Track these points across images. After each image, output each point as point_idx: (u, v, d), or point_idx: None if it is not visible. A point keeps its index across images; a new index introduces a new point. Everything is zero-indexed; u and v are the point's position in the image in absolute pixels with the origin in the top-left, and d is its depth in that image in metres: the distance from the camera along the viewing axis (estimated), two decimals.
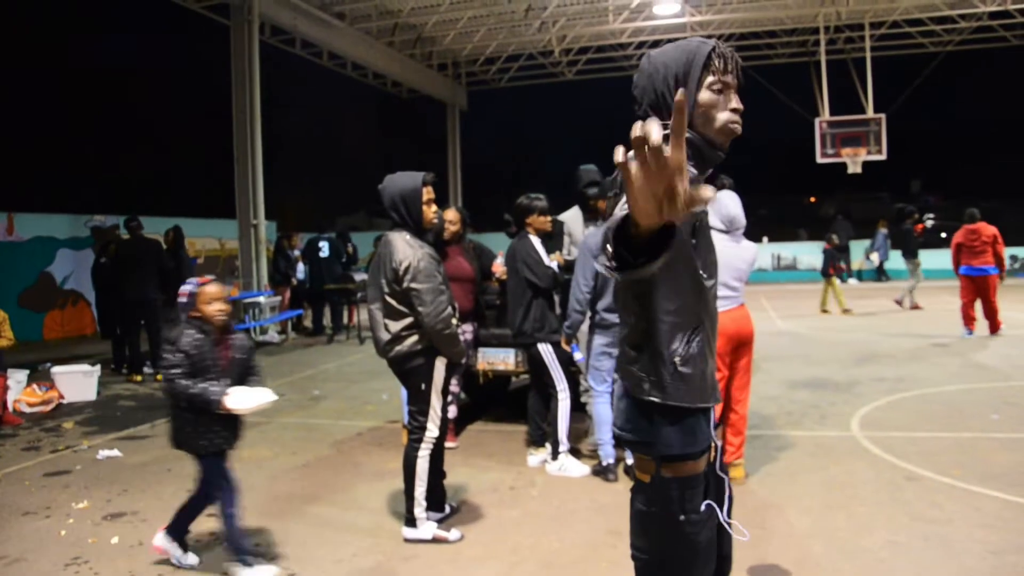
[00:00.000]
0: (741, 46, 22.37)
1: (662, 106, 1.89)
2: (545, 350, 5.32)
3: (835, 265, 15.13)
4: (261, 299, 13.04)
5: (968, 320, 11.01)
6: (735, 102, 1.92)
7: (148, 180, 28.22)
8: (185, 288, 3.76)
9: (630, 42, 21.28)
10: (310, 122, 36.39)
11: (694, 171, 1.86)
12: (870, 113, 19.41)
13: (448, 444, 5.60)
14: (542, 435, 5.60)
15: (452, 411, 6.07)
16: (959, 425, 6.20)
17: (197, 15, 14.65)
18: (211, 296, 3.72)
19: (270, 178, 14.29)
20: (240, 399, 3.65)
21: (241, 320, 12.49)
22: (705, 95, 1.89)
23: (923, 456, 5.33)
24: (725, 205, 4.83)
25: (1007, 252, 19.23)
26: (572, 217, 6.13)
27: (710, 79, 1.89)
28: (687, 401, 1.82)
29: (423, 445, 4.16)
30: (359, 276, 13.85)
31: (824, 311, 15.15)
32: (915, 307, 14.79)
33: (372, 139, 37.36)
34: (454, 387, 6.12)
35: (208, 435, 3.71)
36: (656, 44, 21.82)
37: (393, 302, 4.07)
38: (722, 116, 1.90)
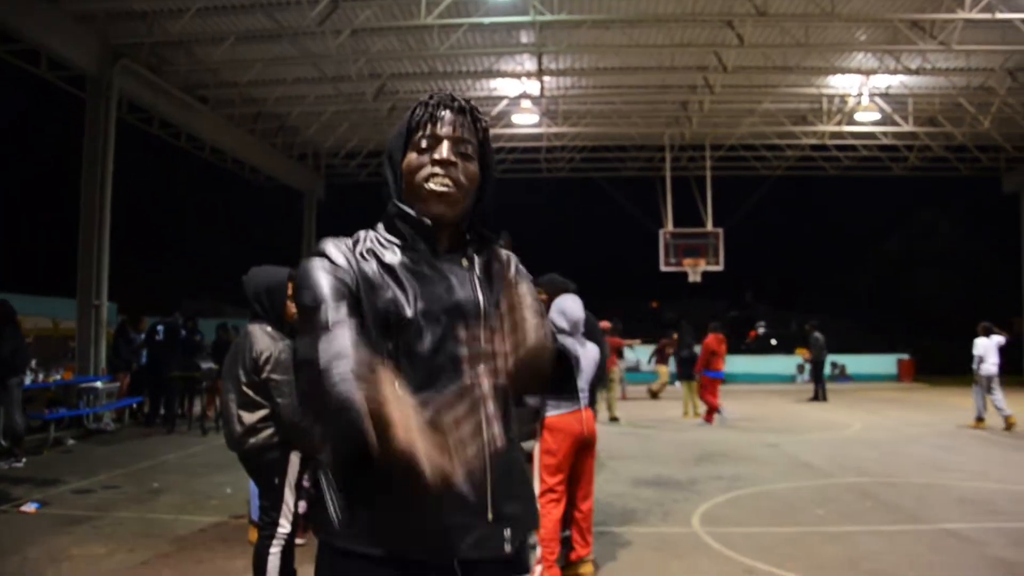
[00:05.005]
0: (594, 158, 23.70)
1: (394, 194, 1.77)
2: None
3: (686, 367, 15.31)
4: (98, 384, 12.38)
5: (713, 410, 13.66)
6: (440, 153, 1.69)
7: None
8: None
9: (494, 148, 22.03)
10: (161, 202, 35.31)
11: (402, 261, 1.70)
12: (709, 227, 20.86)
13: (297, 541, 5.47)
14: None
15: (302, 506, 5.95)
16: (790, 520, 6.63)
17: (48, 83, 14.24)
18: None
19: (116, 257, 13.81)
20: None
21: (74, 406, 11.80)
22: (409, 157, 1.73)
23: (760, 551, 5.65)
24: (568, 308, 4.99)
25: (829, 359, 20.76)
26: None
27: (416, 136, 1.72)
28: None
29: (274, 542, 4.09)
30: (205, 364, 13.40)
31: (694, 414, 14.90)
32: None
33: (225, 224, 36.55)
34: (305, 481, 6.01)
35: None
36: (514, 151, 22.85)
37: (250, 392, 4.05)
38: (422, 174, 1.69)
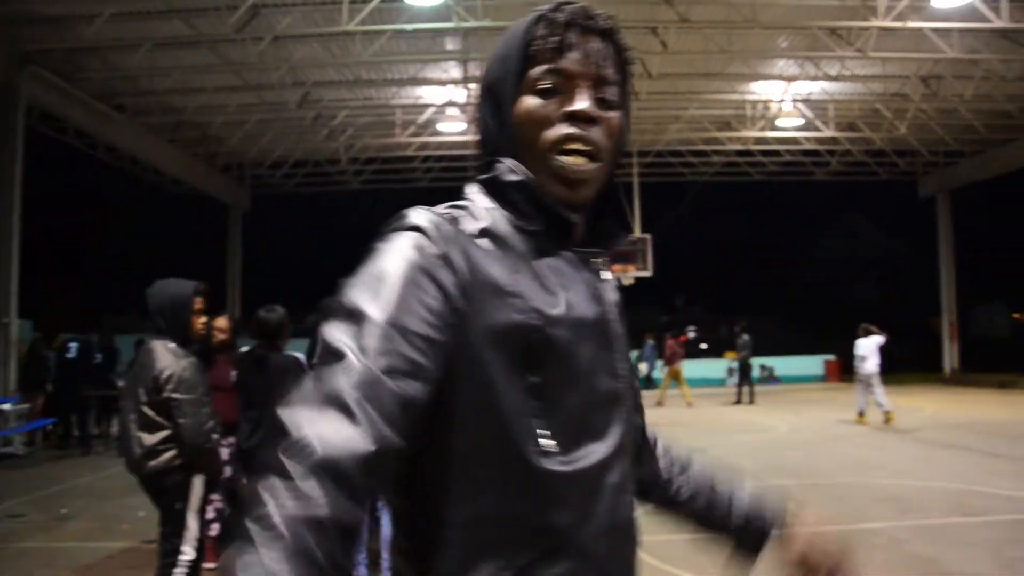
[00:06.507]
0: None
1: (492, 149, 1.19)
2: None
3: None
4: (6, 406, 11.84)
5: None
6: (580, 103, 1.12)
7: None
8: None
9: (417, 155, 21.93)
10: (80, 214, 34.25)
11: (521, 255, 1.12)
12: (638, 233, 20.99)
13: (208, 565, 5.25)
14: None
15: (215, 529, 5.72)
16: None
17: None
18: None
19: (32, 273, 13.28)
20: None
21: None
22: (526, 104, 1.15)
23: (683, 559, 5.58)
24: None
25: (757, 361, 21.08)
26: None
27: (536, 71, 1.14)
28: None
29: (176, 570, 3.88)
30: (122, 382, 12.94)
31: None
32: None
33: (148, 237, 35.63)
34: (219, 503, 5.79)
35: None
36: (442, 159, 22.73)
37: (151, 413, 3.85)
38: (549, 135, 1.13)
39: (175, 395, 3.81)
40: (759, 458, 10.15)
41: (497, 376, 1.03)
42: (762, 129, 19.72)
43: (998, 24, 12.91)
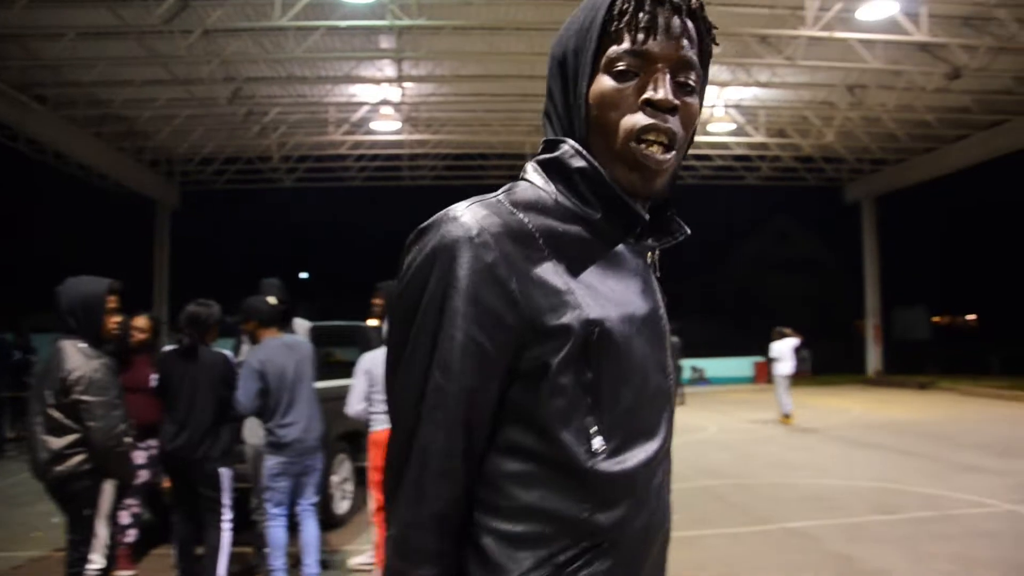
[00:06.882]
0: (457, 166, 23.61)
1: (558, 127, 1.14)
2: (225, 473, 4.96)
3: None
4: None
5: None
6: (661, 90, 1.06)
7: None
8: None
9: (350, 154, 21.70)
10: (2, 209, 33.07)
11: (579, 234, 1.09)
12: None
13: (123, 573, 5.10)
14: (193, 568, 5.00)
15: (132, 535, 5.56)
16: None
17: None
18: None
19: None
20: None
21: None
22: (602, 84, 1.08)
23: None
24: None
25: (688, 363, 21.31)
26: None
27: (615, 50, 1.07)
28: None
29: None
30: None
31: None
32: None
33: (73, 233, 34.55)
34: (135, 508, 5.62)
35: None
36: (376, 158, 22.53)
37: (58, 416, 3.69)
38: (626, 123, 1.07)
39: (84, 397, 3.67)
40: (688, 459, 10.27)
41: (551, 372, 1.02)
42: (695, 134, 19.96)
43: (918, 37, 13.38)
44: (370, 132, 19.23)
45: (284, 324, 5.42)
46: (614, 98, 1.06)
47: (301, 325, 6.21)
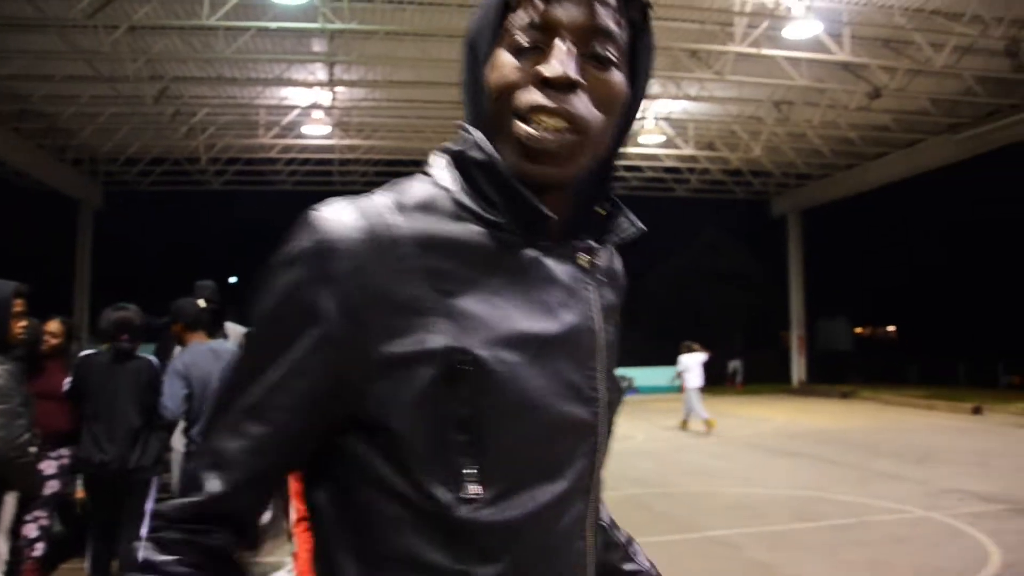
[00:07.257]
0: (390, 172, 23.41)
1: (467, 116, 0.97)
2: (154, 482, 4.84)
3: None
4: None
5: None
6: (555, 62, 0.88)
7: None
8: None
9: (280, 157, 21.42)
10: None
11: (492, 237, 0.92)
12: None
13: None
14: None
15: (39, 548, 5.35)
16: None
17: None
18: None
19: None
20: None
21: None
22: (497, 61, 0.92)
23: None
24: None
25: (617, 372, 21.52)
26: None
27: (513, 20, 0.91)
28: None
29: None
30: None
31: None
32: None
33: None
34: (44, 520, 5.41)
35: None
36: (306, 162, 22.27)
37: None
38: (521, 100, 0.89)
39: None
40: (615, 467, 10.29)
41: (404, 411, 0.85)
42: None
43: (840, 56, 13.84)
44: (301, 136, 19.02)
45: (214, 328, 5.29)
46: (510, 77, 0.90)
47: (234, 330, 6.08)
